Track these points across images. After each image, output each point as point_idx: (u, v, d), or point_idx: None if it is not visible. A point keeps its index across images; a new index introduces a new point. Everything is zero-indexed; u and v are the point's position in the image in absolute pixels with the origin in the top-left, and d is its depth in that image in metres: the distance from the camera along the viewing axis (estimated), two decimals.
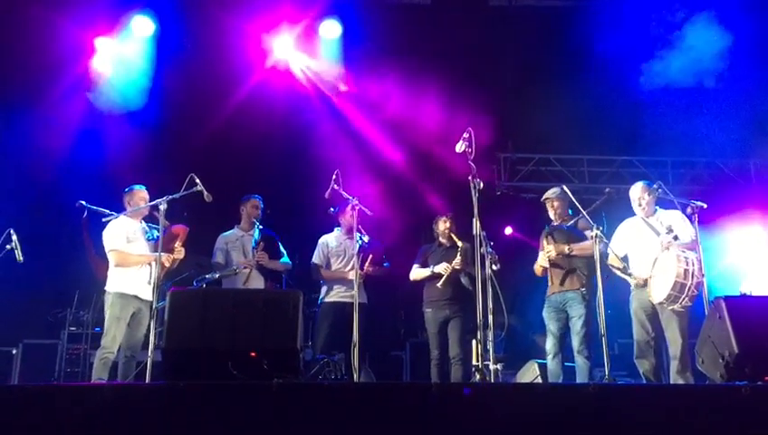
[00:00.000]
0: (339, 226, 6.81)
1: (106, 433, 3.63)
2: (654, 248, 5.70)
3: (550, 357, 6.03)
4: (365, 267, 6.28)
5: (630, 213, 6.14)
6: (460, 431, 3.71)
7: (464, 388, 5.62)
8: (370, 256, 6.40)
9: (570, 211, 6.30)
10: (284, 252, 6.78)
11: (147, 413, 3.76)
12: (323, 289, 6.69)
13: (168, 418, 3.75)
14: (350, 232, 6.55)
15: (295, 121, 8.98)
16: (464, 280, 6.37)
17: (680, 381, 5.46)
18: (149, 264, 5.91)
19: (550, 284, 6.13)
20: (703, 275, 5.39)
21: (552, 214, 6.30)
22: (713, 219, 6.39)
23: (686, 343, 5.56)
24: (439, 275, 6.31)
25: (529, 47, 8.86)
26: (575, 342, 5.90)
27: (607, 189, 6.24)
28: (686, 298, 5.34)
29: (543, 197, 6.39)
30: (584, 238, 6.02)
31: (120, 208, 6.05)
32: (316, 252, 6.76)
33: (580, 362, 5.86)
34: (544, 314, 6.16)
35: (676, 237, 5.60)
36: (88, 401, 3.76)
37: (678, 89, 8.21)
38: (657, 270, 5.57)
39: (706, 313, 4.99)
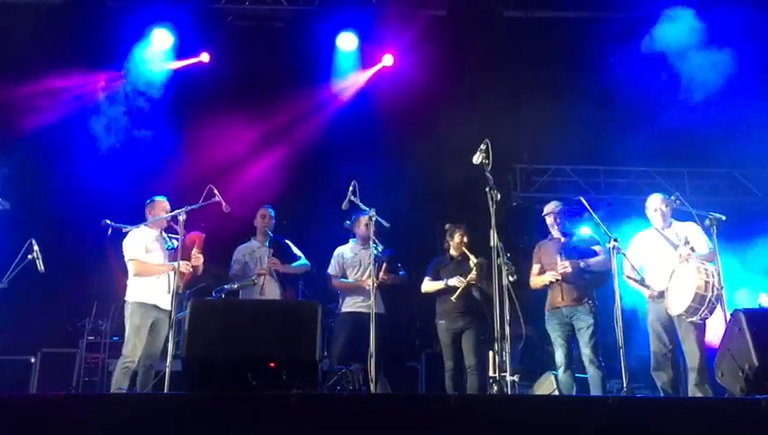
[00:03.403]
0: (354, 237, 6.84)
1: None
2: (670, 260, 5.68)
3: (561, 370, 6.03)
4: (380, 276, 6.30)
5: (643, 224, 6.13)
6: None
7: None
8: (384, 264, 6.42)
9: (567, 224, 6.31)
10: (301, 255, 6.81)
11: (167, 423, 3.78)
12: (340, 300, 6.71)
13: (188, 428, 3.77)
14: (365, 242, 6.57)
15: (312, 132, 9.05)
16: (476, 293, 6.36)
17: (698, 394, 5.43)
18: (167, 273, 5.96)
19: (555, 297, 6.10)
20: (722, 287, 5.37)
21: (554, 229, 6.31)
22: (731, 230, 6.34)
23: (705, 355, 5.53)
24: (453, 289, 6.28)
25: (544, 58, 8.87)
26: (586, 352, 5.88)
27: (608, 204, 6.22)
28: (706, 310, 5.32)
29: (544, 211, 6.41)
30: (592, 253, 6.06)
31: (141, 221, 6.11)
32: (332, 263, 6.80)
33: (593, 373, 5.84)
34: (548, 326, 6.16)
35: (692, 249, 5.59)
36: (111, 411, 3.80)
37: (696, 98, 8.19)
38: (674, 282, 5.55)
39: (726, 326, 4.96)
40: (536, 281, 6.27)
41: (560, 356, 6.04)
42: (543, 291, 6.29)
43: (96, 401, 4.30)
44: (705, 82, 7.94)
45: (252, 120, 8.75)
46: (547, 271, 6.18)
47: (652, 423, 3.80)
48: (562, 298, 6.02)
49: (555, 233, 6.32)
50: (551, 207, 6.39)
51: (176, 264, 5.71)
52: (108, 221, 5.93)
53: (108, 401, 4.41)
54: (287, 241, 6.86)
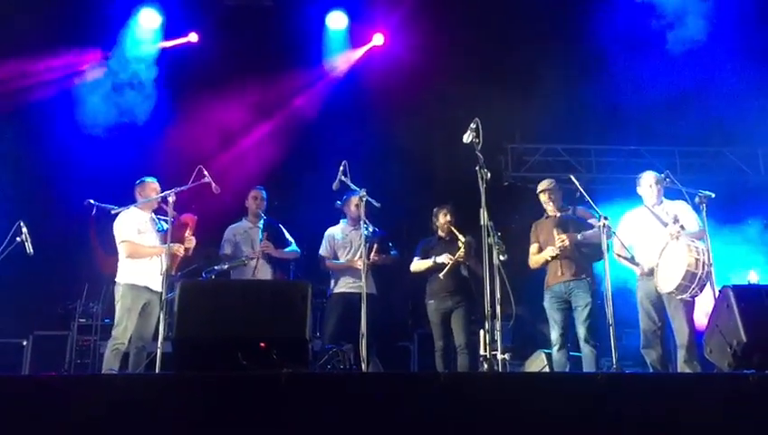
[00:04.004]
0: (345, 217, 6.83)
1: (118, 422, 3.66)
2: (660, 238, 5.69)
3: (555, 348, 6.01)
4: (371, 256, 6.30)
5: (634, 203, 6.13)
6: (468, 421, 3.72)
7: None
8: (375, 245, 6.42)
9: (563, 202, 6.31)
10: (292, 240, 6.81)
11: (157, 403, 3.79)
12: (332, 281, 6.71)
13: (179, 407, 3.78)
14: (355, 223, 6.57)
15: (302, 112, 9.00)
16: (464, 272, 6.39)
17: (687, 370, 5.46)
18: (159, 255, 5.93)
19: (553, 274, 6.08)
20: (711, 265, 5.39)
21: (549, 206, 6.28)
22: (721, 209, 6.37)
23: (694, 332, 5.57)
24: (441, 266, 6.30)
25: (536, 37, 8.82)
26: (581, 331, 5.88)
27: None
28: (696, 288, 5.33)
29: (539, 189, 6.37)
30: (588, 226, 6.03)
31: (128, 204, 6.07)
32: (323, 244, 6.80)
33: (587, 352, 5.85)
34: (546, 304, 6.14)
35: (682, 227, 5.61)
36: (101, 391, 3.80)
37: (686, 76, 8.18)
38: (664, 260, 5.56)
39: (714, 302, 4.99)
40: (536, 259, 6.24)
41: (555, 334, 6.03)
42: (535, 271, 6.30)
43: (87, 381, 4.30)
44: (695, 42, 7.94)
45: (241, 100, 8.70)
46: (545, 248, 6.18)
47: (641, 399, 3.83)
48: (562, 273, 5.99)
49: (550, 210, 6.30)
50: (544, 184, 6.36)
51: (168, 246, 5.69)
52: (91, 201, 5.90)
53: (98, 381, 4.40)
54: (280, 226, 6.84)
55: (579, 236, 6.00)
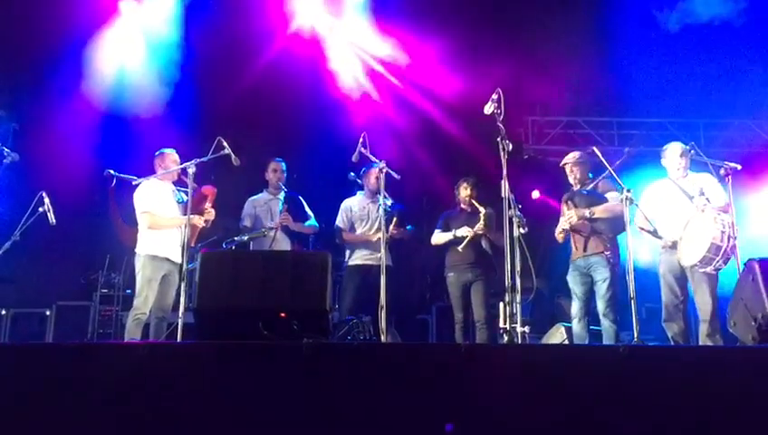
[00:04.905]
0: (362, 189, 6.80)
1: (140, 390, 3.70)
2: (685, 211, 5.62)
3: (575, 321, 6.01)
4: (390, 230, 6.28)
5: (657, 175, 6.05)
6: (488, 392, 3.71)
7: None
8: (395, 218, 6.40)
9: (590, 175, 6.23)
10: (311, 214, 6.80)
11: (179, 372, 3.81)
12: (347, 252, 6.71)
13: (200, 376, 3.80)
14: (373, 196, 6.54)
15: (322, 84, 8.94)
16: (484, 245, 6.36)
17: (710, 344, 5.42)
18: (180, 227, 5.96)
19: (573, 249, 6.07)
20: (736, 238, 5.32)
21: (571, 179, 6.23)
22: (747, 182, 6.27)
23: (716, 305, 5.51)
24: (461, 239, 6.29)
25: (557, 7, 8.67)
26: (600, 305, 5.86)
27: (626, 149, 6.11)
28: (721, 261, 5.27)
29: (562, 162, 6.31)
30: (605, 201, 5.96)
31: (147, 174, 6.08)
32: (339, 216, 6.77)
33: (607, 326, 5.83)
34: (569, 277, 6.12)
35: (708, 200, 5.53)
36: (124, 359, 3.83)
37: (712, 47, 8.02)
38: (688, 232, 5.49)
39: (739, 275, 4.92)
40: (556, 233, 6.22)
41: (575, 307, 6.03)
42: (555, 244, 6.27)
43: (111, 349, 4.33)
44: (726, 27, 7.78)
45: (259, 69, 8.63)
46: None
47: (663, 371, 3.79)
48: (576, 248, 6.00)
49: (573, 183, 6.24)
50: (566, 158, 6.31)
51: (188, 217, 5.70)
52: (111, 171, 5.91)
53: (126, 349, 4.43)
54: (301, 199, 6.83)
55: (587, 213, 5.93)
